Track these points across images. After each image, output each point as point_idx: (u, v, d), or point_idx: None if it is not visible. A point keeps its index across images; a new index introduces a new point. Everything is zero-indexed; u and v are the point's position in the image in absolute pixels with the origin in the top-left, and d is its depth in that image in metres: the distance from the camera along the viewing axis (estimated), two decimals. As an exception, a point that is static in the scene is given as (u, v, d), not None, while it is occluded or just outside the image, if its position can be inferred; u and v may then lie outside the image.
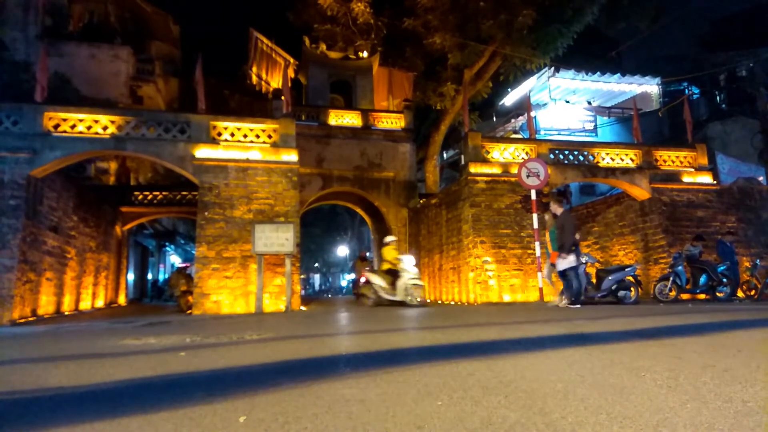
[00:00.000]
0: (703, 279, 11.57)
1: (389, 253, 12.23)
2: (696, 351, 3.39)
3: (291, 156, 12.51)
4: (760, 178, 16.35)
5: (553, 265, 9.87)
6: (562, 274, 9.34)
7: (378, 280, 11.85)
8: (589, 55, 25.90)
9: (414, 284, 11.21)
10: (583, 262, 11.06)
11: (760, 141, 21.75)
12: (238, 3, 47.06)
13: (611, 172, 14.13)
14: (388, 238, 12.74)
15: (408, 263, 11.49)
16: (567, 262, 9.18)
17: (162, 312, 13.36)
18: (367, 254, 22.87)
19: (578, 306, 8.88)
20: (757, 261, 12.34)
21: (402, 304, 11.16)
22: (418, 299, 11.14)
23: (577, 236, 9.91)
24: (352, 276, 33.92)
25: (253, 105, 22.98)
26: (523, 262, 12.58)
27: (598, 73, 25.08)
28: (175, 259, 33.42)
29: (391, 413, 2.06)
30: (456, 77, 19.73)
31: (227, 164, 12.00)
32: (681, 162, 14.66)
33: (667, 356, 3.19)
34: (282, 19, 23.77)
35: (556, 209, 9.80)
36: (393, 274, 11.68)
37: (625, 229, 15.16)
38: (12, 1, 19.80)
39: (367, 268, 14.45)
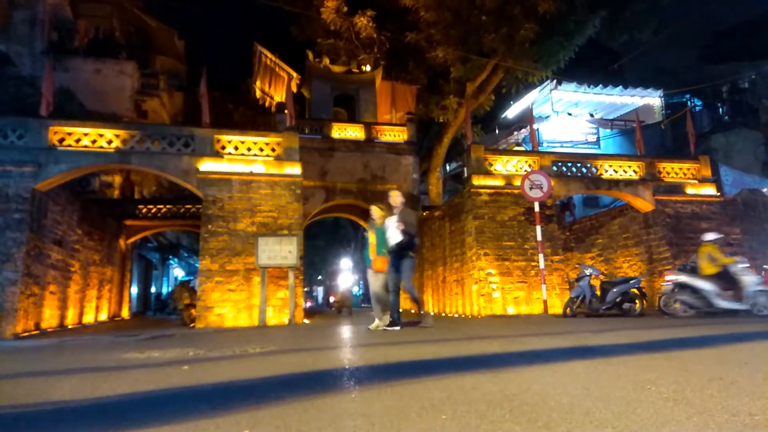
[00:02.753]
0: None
1: (719, 254, 10.02)
2: (702, 363, 3.37)
3: (294, 169, 12.55)
4: (764, 190, 16.30)
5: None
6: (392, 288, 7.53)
7: (708, 285, 9.69)
8: (592, 67, 26.08)
9: (762, 290, 9.51)
10: (588, 273, 11.03)
11: (764, 152, 21.75)
12: (242, 18, 47.63)
13: (614, 184, 14.13)
14: (711, 236, 10.33)
15: (744, 266, 9.80)
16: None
17: (165, 325, 13.32)
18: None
19: (398, 328, 7.16)
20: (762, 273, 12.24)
21: (738, 312, 9.40)
22: (765, 308, 9.35)
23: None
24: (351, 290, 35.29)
25: (257, 118, 23.17)
26: (527, 275, 12.54)
27: (601, 85, 25.18)
28: (178, 272, 33.50)
29: (395, 427, 2.04)
30: (458, 90, 19.83)
31: (231, 177, 12.05)
32: (684, 174, 14.64)
33: (673, 369, 3.17)
34: (286, 34, 24.06)
35: (397, 200, 7.58)
36: (724, 279, 9.80)
37: (629, 241, 15.11)
38: (18, 16, 20.08)
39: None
